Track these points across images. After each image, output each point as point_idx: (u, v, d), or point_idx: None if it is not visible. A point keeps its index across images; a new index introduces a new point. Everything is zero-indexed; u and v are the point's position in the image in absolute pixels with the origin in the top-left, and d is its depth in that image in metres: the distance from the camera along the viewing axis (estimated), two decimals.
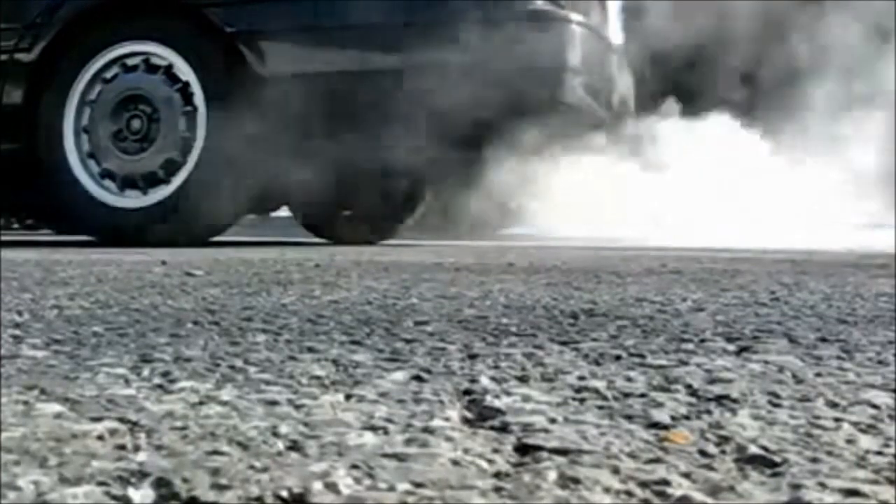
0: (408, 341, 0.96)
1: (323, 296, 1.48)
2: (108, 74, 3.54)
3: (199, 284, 1.68)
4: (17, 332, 1.01)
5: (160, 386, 0.71)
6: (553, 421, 0.60)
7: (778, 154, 4.10)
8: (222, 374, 0.76)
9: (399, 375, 0.76)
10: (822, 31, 4.62)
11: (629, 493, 0.46)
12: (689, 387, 0.72)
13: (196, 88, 3.42)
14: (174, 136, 3.43)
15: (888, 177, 4.06)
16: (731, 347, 0.94)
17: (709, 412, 0.63)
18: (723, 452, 0.53)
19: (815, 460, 0.51)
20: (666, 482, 0.47)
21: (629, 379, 0.76)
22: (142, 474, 0.47)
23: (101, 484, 0.46)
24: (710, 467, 0.50)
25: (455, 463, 0.50)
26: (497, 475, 0.49)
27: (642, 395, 0.69)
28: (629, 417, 0.62)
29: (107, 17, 3.53)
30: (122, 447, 0.53)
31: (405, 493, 0.45)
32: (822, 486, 0.47)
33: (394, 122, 3.42)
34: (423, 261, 2.62)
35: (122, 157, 3.49)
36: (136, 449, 0.53)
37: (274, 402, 0.65)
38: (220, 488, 0.45)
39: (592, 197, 3.76)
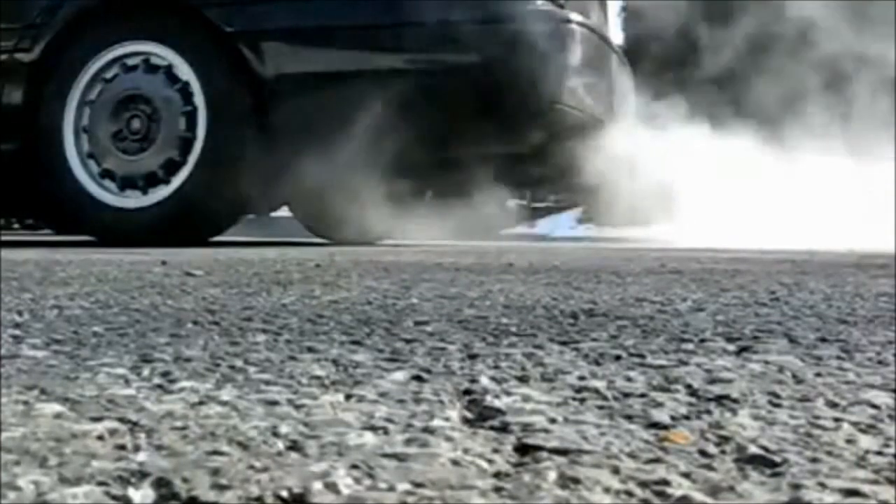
0: (408, 341, 0.96)
1: (323, 296, 1.48)
2: (108, 74, 3.54)
3: (199, 284, 1.68)
4: (17, 332, 1.01)
5: (160, 386, 0.71)
6: (553, 421, 0.60)
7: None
8: (222, 374, 0.76)
9: (399, 375, 0.76)
10: None
11: (629, 493, 0.46)
12: (689, 387, 0.72)
13: (196, 88, 3.42)
14: (174, 136, 3.44)
15: None
16: (731, 347, 0.94)
17: (709, 412, 0.63)
18: (723, 452, 0.53)
19: (815, 460, 0.51)
20: (666, 482, 0.47)
21: (629, 379, 0.76)
22: (142, 474, 0.47)
23: (101, 484, 0.46)
24: (710, 467, 0.50)
25: (455, 463, 0.50)
26: (497, 475, 0.49)
27: (642, 395, 0.69)
28: (629, 417, 0.62)
29: (107, 17, 3.53)
30: (122, 447, 0.53)
31: (405, 493, 0.45)
32: (822, 486, 0.47)
33: (393, 121, 3.42)
34: (423, 261, 2.62)
35: (122, 157, 3.49)
36: (136, 449, 0.53)
37: (274, 402, 0.65)
38: (220, 488, 0.45)
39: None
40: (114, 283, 1.67)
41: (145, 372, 0.77)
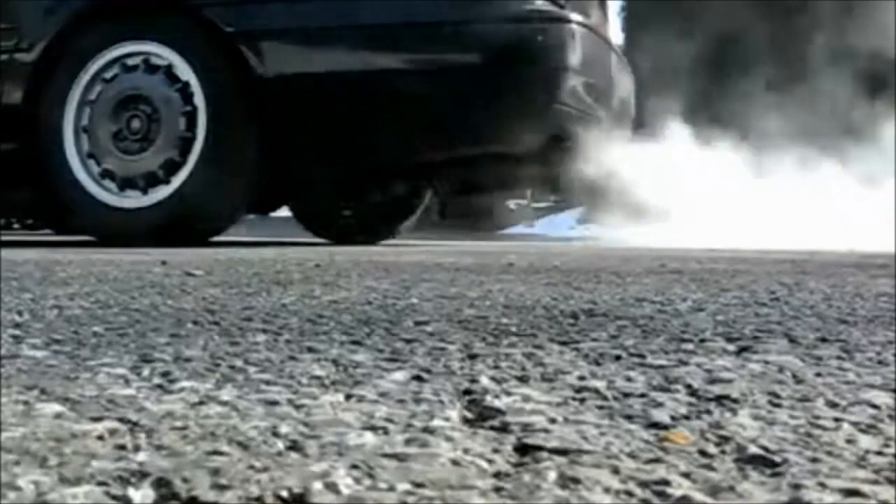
0: (408, 341, 0.96)
1: (323, 296, 1.48)
2: (108, 74, 3.54)
3: (199, 284, 1.68)
4: (17, 332, 1.01)
5: (160, 386, 0.71)
6: (553, 421, 0.60)
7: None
8: (222, 374, 0.76)
9: (399, 375, 0.76)
10: None
11: (629, 493, 0.46)
12: (689, 387, 0.72)
13: (196, 88, 3.42)
14: (174, 136, 3.43)
15: None
16: (731, 347, 0.94)
17: (709, 412, 0.63)
18: (723, 452, 0.53)
19: (815, 460, 0.51)
20: (666, 482, 0.47)
21: (629, 379, 0.76)
22: (142, 474, 0.47)
23: (101, 484, 0.46)
24: (710, 467, 0.50)
25: (455, 463, 0.50)
26: (497, 475, 0.49)
27: (642, 395, 0.69)
28: (629, 417, 0.62)
29: (106, 17, 3.53)
30: (122, 447, 0.53)
31: (405, 493, 0.45)
32: (822, 486, 0.47)
33: (393, 121, 3.42)
34: (423, 261, 2.62)
35: (122, 157, 3.49)
36: (136, 449, 0.53)
37: (274, 402, 0.65)
38: (220, 488, 0.45)
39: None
40: (114, 283, 1.67)
41: (145, 372, 0.77)
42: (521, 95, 3.36)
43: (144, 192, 3.46)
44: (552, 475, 0.48)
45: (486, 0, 3.41)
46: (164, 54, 3.47)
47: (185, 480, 0.46)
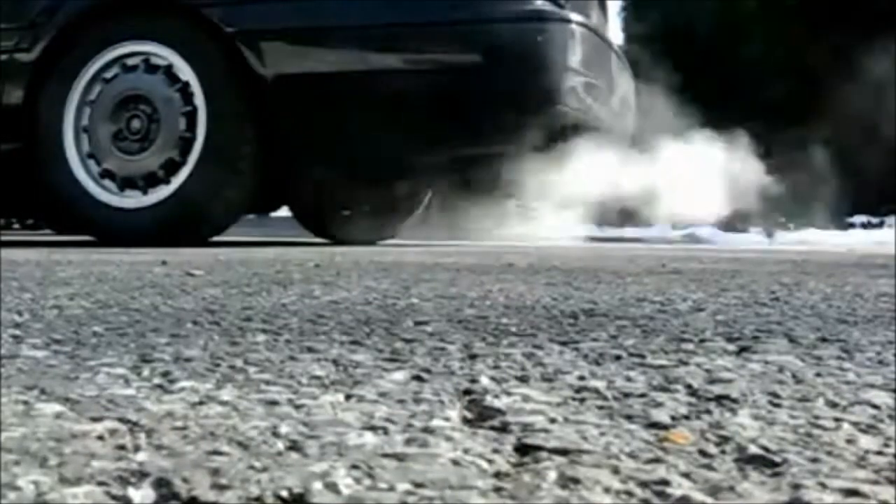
0: (408, 341, 0.96)
1: (323, 296, 1.48)
2: (108, 74, 3.54)
3: (199, 284, 1.68)
4: (17, 332, 1.01)
5: (160, 386, 0.71)
6: (553, 421, 0.60)
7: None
8: (222, 374, 0.76)
9: (399, 375, 0.76)
10: None
11: (629, 493, 0.46)
12: (689, 387, 0.72)
13: (196, 88, 3.42)
14: (174, 136, 3.44)
15: None
16: (731, 347, 0.94)
17: (709, 412, 0.63)
18: (723, 452, 0.53)
19: (815, 460, 0.51)
20: (666, 482, 0.47)
21: (629, 379, 0.76)
22: (142, 474, 0.47)
23: (101, 484, 0.46)
24: (710, 467, 0.50)
25: (455, 463, 0.50)
26: (497, 475, 0.49)
27: (642, 395, 0.69)
28: (629, 417, 0.62)
29: (106, 17, 3.53)
30: (122, 447, 0.53)
31: (405, 493, 0.45)
32: (822, 486, 0.47)
33: (393, 121, 3.42)
34: (423, 261, 2.62)
35: (122, 157, 3.49)
36: (136, 449, 0.53)
37: (274, 402, 0.65)
38: (220, 488, 0.45)
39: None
40: (114, 283, 1.67)
41: (145, 372, 0.77)
42: (521, 95, 3.36)
43: (144, 192, 3.46)
44: (552, 475, 0.48)
45: (486, 0, 3.41)
46: (164, 54, 3.47)
47: (185, 480, 0.46)
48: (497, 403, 0.66)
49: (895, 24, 8.83)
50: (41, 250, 2.97)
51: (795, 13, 9.69)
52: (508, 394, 0.69)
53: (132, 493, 0.45)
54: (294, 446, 0.53)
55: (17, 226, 8.43)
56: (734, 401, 0.67)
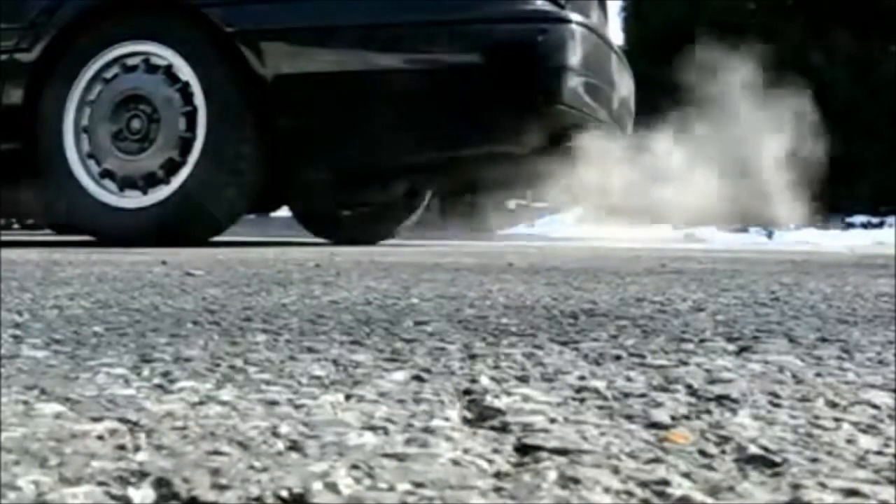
0: (408, 341, 0.96)
1: (323, 296, 1.48)
2: (108, 74, 3.54)
3: (199, 284, 1.68)
4: (17, 332, 1.01)
5: (160, 386, 0.71)
6: (553, 421, 0.60)
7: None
8: (222, 374, 0.76)
9: (399, 375, 0.76)
10: None
11: (629, 493, 0.46)
12: (689, 387, 0.72)
13: (196, 88, 3.42)
14: (174, 136, 3.44)
15: None
16: (731, 347, 0.94)
17: (709, 412, 0.63)
18: (723, 452, 0.53)
19: (815, 460, 0.51)
20: (666, 482, 0.47)
21: (629, 379, 0.76)
22: (142, 474, 0.47)
23: (101, 484, 0.46)
24: (710, 467, 0.50)
25: (455, 463, 0.50)
26: (497, 475, 0.49)
27: (642, 395, 0.69)
28: (629, 417, 0.62)
29: (107, 17, 3.53)
30: (122, 447, 0.53)
31: (405, 493, 0.45)
32: (822, 486, 0.47)
33: (393, 121, 3.42)
34: (423, 261, 2.62)
35: (121, 157, 3.49)
36: (136, 449, 0.53)
37: (274, 402, 0.65)
38: (220, 488, 0.45)
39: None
40: (114, 283, 1.67)
41: (145, 372, 0.77)
42: (521, 95, 3.36)
43: (144, 192, 3.46)
44: (552, 475, 0.48)
45: (486, 0, 3.41)
46: (164, 54, 3.47)
47: (185, 480, 0.46)
48: (497, 403, 0.66)
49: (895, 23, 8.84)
50: (41, 250, 2.97)
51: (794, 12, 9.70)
52: (508, 394, 0.69)
53: (132, 493, 0.45)
54: (294, 446, 0.53)
55: (17, 226, 8.43)
56: (734, 401, 0.67)
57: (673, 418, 0.62)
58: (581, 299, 1.46)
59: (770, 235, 8.28)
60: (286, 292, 1.53)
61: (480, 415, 0.63)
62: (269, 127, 3.42)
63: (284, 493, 0.45)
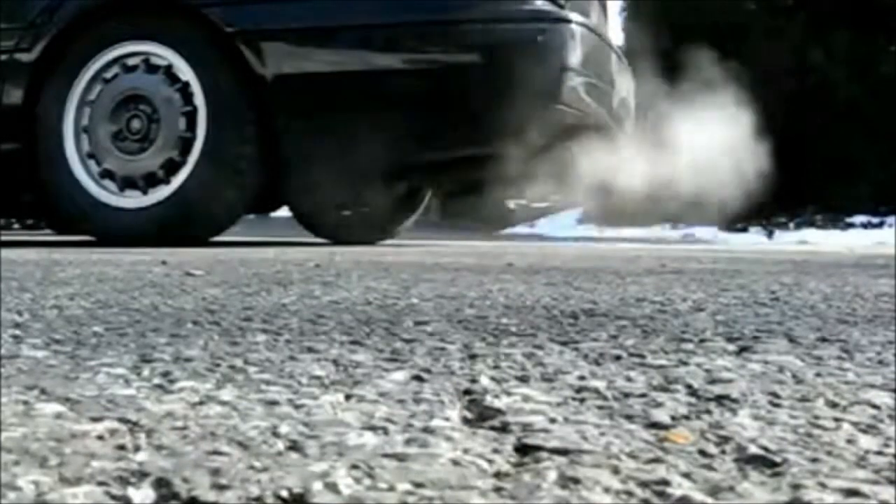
0: (408, 341, 0.96)
1: (323, 296, 1.48)
2: (108, 74, 3.54)
3: (199, 284, 1.68)
4: (17, 332, 1.01)
5: (160, 386, 0.71)
6: (553, 421, 0.60)
7: None
8: (222, 374, 0.76)
9: (399, 375, 0.76)
10: None
11: (629, 493, 0.46)
12: (689, 387, 0.72)
13: (196, 88, 3.42)
14: (174, 136, 3.43)
15: None
16: (731, 347, 0.94)
17: (709, 412, 0.63)
18: (723, 452, 0.53)
19: (815, 460, 0.51)
20: (666, 482, 0.47)
21: (629, 379, 0.76)
22: (142, 474, 0.47)
23: (101, 484, 0.46)
24: (710, 467, 0.50)
25: (455, 463, 0.50)
26: (497, 475, 0.49)
27: (642, 395, 0.69)
28: (629, 417, 0.62)
29: (107, 17, 3.53)
30: (122, 447, 0.53)
31: (405, 493, 0.45)
32: (822, 486, 0.47)
33: (393, 122, 3.42)
34: (423, 261, 2.62)
35: (122, 157, 3.49)
36: (136, 449, 0.53)
37: (274, 402, 0.65)
38: (220, 488, 0.45)
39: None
40: (114, 283, 1.67)
41: (145, 372, 0.77)
42: (521, 95, 3.36)
43: (144, 192, 3.46)
44: (552, 475, 0.48)
45: (486, 0, 3.41)
46: (164, 54, 3.47)
47: (185, 480, 0.46)
48: (497, 403, 0.66)
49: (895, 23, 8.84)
50: (41, 250, 2.97)
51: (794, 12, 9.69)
52: (508, 394, 0.69)
53: (132, 493, 0.45)
54: (294, 446, 0.53)
55: (17, 226, 8.42)
56: (734, 401, 0.67)
57: (673, 418, 0.62)
58: (581, 299, 1.46)
59: (770, 235, 8.28)
60: (286, 292, 1.53)
61: (480, 415, 0.63)
62: (269, 127, 3.42)
63: (284, 493, 0.45)
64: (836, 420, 0.61)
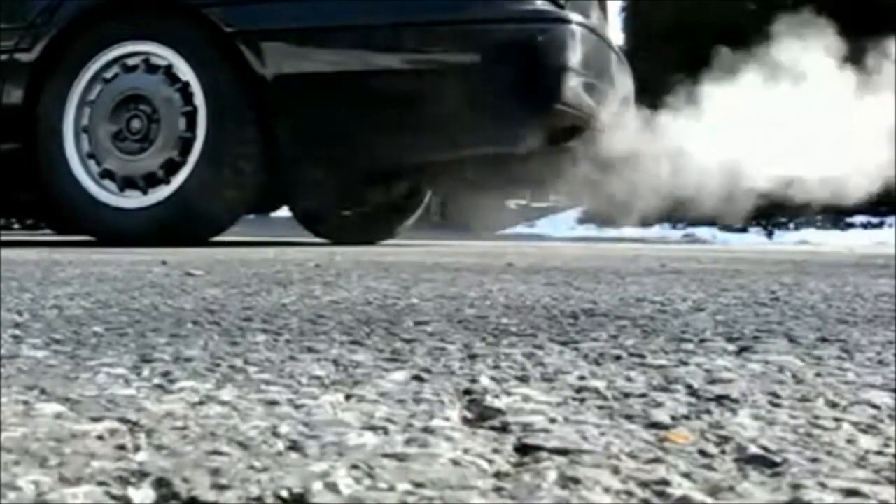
0: (408, 341, 0.96)
1: (323, 296, 1.48)
2: (108, 74, 3.54)
3: (199, 284, 1.68)
4: (17, 332, 1.01)
5: (160, 386, 0.71)
6: (553, 421, 0.60)
7: None
8: (222, 374, 0.76)
9: (399, 375, 0.76)
10: None
11: (629, 493, 0.46)
12: (689, 387, 0.72)
13: (196, 88, 3.42)
14: (174, 136, 3.44)
15: None
16: (731, 347, 0.94)
17: (709, 412, 0.63)
18: (723, 452, 0.53)
19: (815, 460, 0.51)
20: (666, 482, 0.47)
21: (629, 379, 0.76)
22: (142, 474, 0.47)
23: (101, 484, 0.46)
24: (710, 467, 0.50)
25: (455, 463, 0.50)
26: (497, 475, 0.49)
27: (642, 395, 0.69)
28: (629, 417, 0.62)
29: (107, 17, 3.53)
30: (122, 447, 0.53)
31: (405, 493, 0.45)
32: (822, 486, 0.47)
33: (394, 121, 3.42)
34: (423, 261, 2.62)
35: (122, 157, 3.49)
36: (136, 449, 0.53)
37: (274, 402, 0.65)
38: (220, 488, 0.45)
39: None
40: (114, 283, 1.67)
41: (145, 372, 0.77)
42: (521, 95, 3.36)
43: (144, 192, 3.46)
44: (552, 475, 0.48)
45: (486, 0, 3.41)
46: (164, 54, 3.47)
47: (185, 480, 0.46)
48: (497, 403, 0.66)
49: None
50: (41, 250, 2.97)
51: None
52: (508, 394, 0.69)
53: (132, 493, 0.45)
54: (294, 446, 0.53)
55: (17, 226, 8.43)
56: (734, 401, 0.67)
57: (673, 418, 0.62)
58: (581, 299, 1.46)
59: (770, 235, 8.28)
60: (286, 292, 1.53)
61: (480, 415, 0.63)
62: (269, 127, 3.42)
63: (284, 493, 0.45)
64: (836, 420, 0.61)
